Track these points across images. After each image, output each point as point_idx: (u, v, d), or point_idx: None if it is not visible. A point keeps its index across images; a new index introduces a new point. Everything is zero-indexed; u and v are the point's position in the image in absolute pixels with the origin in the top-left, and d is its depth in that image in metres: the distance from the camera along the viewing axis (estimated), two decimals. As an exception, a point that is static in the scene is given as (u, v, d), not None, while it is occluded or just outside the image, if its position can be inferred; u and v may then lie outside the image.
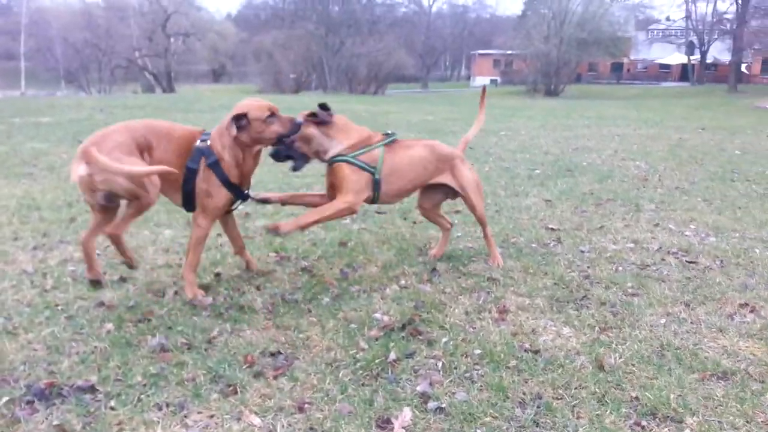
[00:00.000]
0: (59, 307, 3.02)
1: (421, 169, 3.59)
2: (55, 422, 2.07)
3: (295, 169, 3.44)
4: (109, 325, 2.81)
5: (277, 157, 3.37)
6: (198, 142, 3.10)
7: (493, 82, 56.84)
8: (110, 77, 50.28)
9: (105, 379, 2.35)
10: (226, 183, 3.11)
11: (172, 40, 52.02)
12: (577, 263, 3.92)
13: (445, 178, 3.72)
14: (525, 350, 2.69)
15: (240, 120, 3.05)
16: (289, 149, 3.31)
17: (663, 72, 59.24)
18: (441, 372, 2.49)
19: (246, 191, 3.28)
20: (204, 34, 56.29)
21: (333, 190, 3.40)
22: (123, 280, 3.43)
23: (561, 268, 3.80)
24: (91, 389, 2.27)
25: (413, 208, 5.29)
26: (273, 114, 3.13)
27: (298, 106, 19.86)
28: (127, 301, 3.11)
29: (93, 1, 58.21)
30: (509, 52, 53.34)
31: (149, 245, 4.10)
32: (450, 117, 17.25)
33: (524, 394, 2.35)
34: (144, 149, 3.03)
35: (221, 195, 3.12)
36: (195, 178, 3.08)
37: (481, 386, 2.38)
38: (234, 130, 3.03)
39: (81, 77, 50.71)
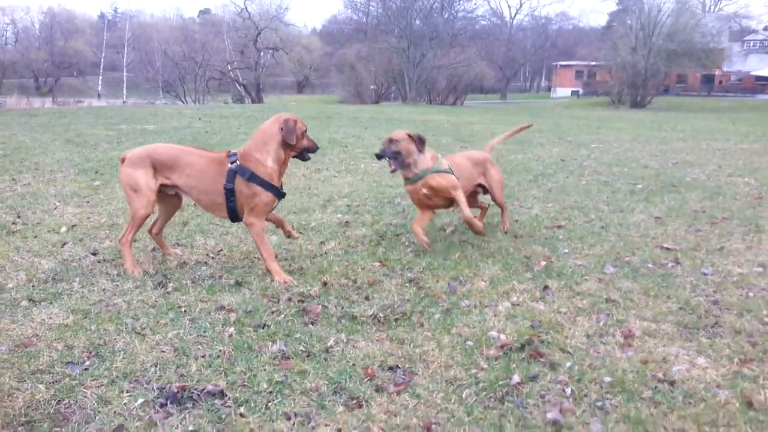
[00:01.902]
0: (182, 309, 3.12)
1: (467, 174, 4.57)
2: (190, 428, 2.11)
3: (394, 170, 4.32)
4: (231, 329, 2.87)
5: (381, 156, 4.26)
6: (229, 165, 3.58)
7: (574, 93, 55.24)
8: (204, 88, 52.97)
9: (232, 385, 2.39)
10: (267, 186, 3.58)
11: (261, 53, 54.18)
12: (702, 287, 3.64)
13: (480, 179, 4.72)
14: (659, 380, 2.50)
15: (290, 124, 3.57)
16: (393, 153, 4.24)
17: (759, 84, 55.29)
18: (570, 399, 2.35)
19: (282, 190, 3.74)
20: (291, 47, 58.30)
21: (433, 196, 4.26)
22: (239, 284, 3.51)
23: (685, 291, 3.54)
24: (221, 394, 2.31)
25: (512, 221, 5.17)
26: (305, 130, 3.71)
27: (380, 116, 20.09)
28: (244, 306, 3.17)
29: (190, 17, 61.66)
30: (592, 63, 51.71)
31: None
32: (535, 128, 16.83)
33: (665, 429, 2.18)
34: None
35: (265, 196, 3.60)
36: (234, 196, 3.59)
37: (617, 418, 2.23)
38: (291, 136, 3.55)
39: (178, 88, 53.81)
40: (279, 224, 4.02)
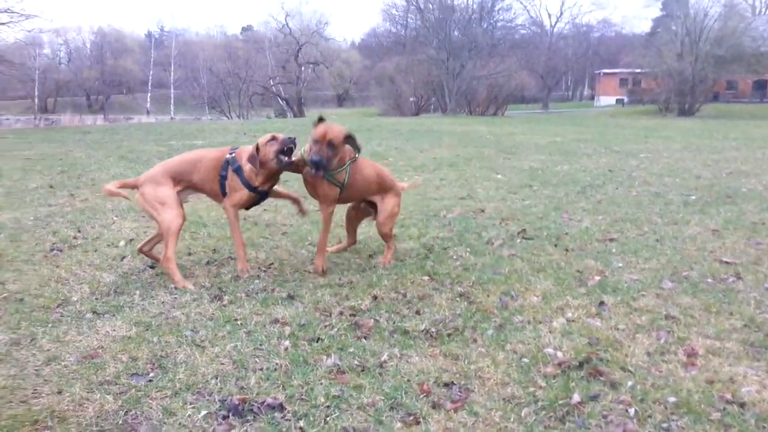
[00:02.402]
0: (238, 322, 3.19)
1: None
2: (253, 439, 2.14)
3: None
4: (286, 342, 2.91)
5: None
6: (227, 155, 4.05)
7: (619, 101, 54.10)
8: (248, 103, 54.23)
9: (291, 398, 2.42)
10: (246, 184, 3.97)
11: (302, 68, 55.17)
12: (767, 303, 3.50)
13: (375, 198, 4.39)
14: (727, 401, 2.41)
15: (254, 156, 3.93)
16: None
17: (818, 89, 52.91)
18: (635, 420, 2.29)
19: (266, 191, 4.11)
20: (331, 62, 59.22)
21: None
22: (291, 297, 3.56)
23: (749, 307, 3.41)
24: (280, 407, 2.34)
25: (562, 234, 5.09)
26: (273, 138, 3.98)
27: (420, 128, 20.12)
28: (298, 319, 3.21)
29: (233, 34, 63.25)
30: (637, 70, 50.57)
31: (309, 264, 4.25)
32: (579, 138, 16.59)
33: (737, 452, 2.09)
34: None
35: (243, 192, 3.99)
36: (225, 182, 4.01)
37: (685, 439, 2.16)
38: (255, 164, 3.92)
39: (223, 103, 55.26)
40: (295, 202, 4.49)
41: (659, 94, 41.98)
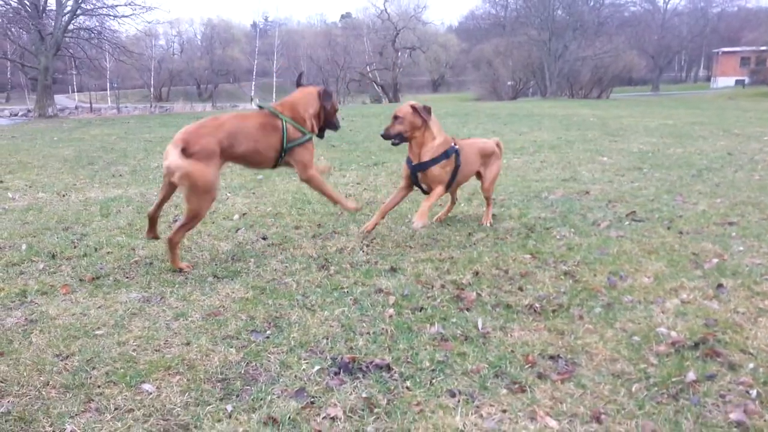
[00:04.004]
0: (344, 290, 3.33)
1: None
2: (364, 395, 2.25)
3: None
4: (390, 311, 3.01)
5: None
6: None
7: (739, 82, 49.66)
8: (345, 90, 55.42)
9: (397, 360, 2.51)
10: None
11: (399, 53, 55.44)
12: None
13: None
14: None
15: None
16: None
17: None
18: (757, 402, 2.16)
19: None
20: (428, 46, 58.95)
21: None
22: (393, 270, 3.66)
23: None
24: (387, 368, 2.44)
25: (675, 217, 4.83)
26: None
27: (519, 112, 19.62)
28: (401, 290, 3.30)
29: (333, 22, 64.61)
30: (762, 48, 46.10)
31: (410, 240, 4.34)
32: (694, 121, 15.45)
33: None
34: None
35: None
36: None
37: (816, 426, 2.01)
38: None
39: (321, 90, 56.77)
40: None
41: (788, 73, 38.15)
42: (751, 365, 2.42)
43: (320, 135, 4.29)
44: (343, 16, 79.30)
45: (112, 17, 27.32)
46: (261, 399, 2.23)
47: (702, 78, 66.10)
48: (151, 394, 2.28)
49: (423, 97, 55.17)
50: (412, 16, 57.05)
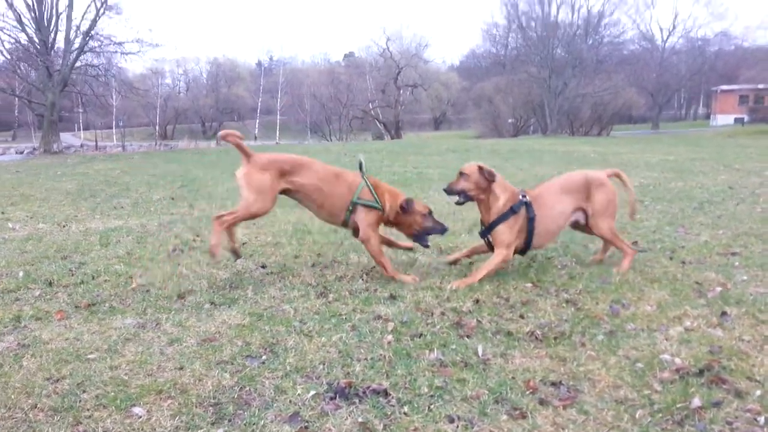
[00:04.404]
0: (343, 316, 3.28)
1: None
2: (360, 419, 2.19)
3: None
4: (389, 337, 2.96)
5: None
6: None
7: (738, 120, 50.05)
8: (348, 127, 56.11)
9: (395, 386, 2.45)
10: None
11: (401, 91, 56.30)
12: None
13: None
14: None
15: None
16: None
17: None
18: (765, 429, 2.10)
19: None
20: (430, 84, 59.81)
21: None
22: (393, 297, 3.62)
23: None
24: (384, 393, 2.38)
25: (677, 248, 4.79)
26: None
27: (520, 148, 19.77)
28: (400, 317, 3.25)
29: (336, 61, 65.91)
30: (760, 86, 46.67)
31: (407, 268, 4.30)
32: (694, 156, 15.53)
33: None
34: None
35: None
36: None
37: (827, 453, 1.95)
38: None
39: (324, 128, 57.62)
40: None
41: (786, 111, 38.50)
42: (758, 392, 2.36)
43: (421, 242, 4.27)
44: (346, 55, 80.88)
45: (119, 54, 27.92)
46: (254, 423, 2.18)
47: (701, 116, 66.70)
48: (141, 417, 2.22)
49: (426, 135, 55.79)
50: (414, 55, 58.12)
